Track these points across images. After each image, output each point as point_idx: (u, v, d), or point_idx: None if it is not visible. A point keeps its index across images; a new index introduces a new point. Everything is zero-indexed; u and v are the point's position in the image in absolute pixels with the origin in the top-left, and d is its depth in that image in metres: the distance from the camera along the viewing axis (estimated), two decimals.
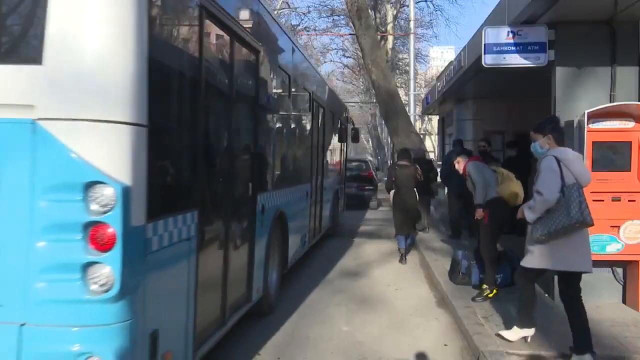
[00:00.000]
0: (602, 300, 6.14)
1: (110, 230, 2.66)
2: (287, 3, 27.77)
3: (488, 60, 6.64)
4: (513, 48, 6.53)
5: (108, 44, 2.71)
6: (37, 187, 2.68)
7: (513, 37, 6.52)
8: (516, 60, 6.53)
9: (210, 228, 4.04)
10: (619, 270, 6.14)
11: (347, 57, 35.95)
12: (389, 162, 28.62)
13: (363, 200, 17.86)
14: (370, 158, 32.48)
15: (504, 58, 6.59)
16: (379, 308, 6.49)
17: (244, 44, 4.69)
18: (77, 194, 2.65)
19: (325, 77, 12.26)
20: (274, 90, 5.94)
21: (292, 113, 7.22)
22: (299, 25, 29.45)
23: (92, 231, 2.67)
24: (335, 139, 11.81)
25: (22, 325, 2.69)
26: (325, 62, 36.99)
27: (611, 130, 5.86)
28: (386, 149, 35.36)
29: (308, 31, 28.46)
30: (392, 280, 7.93)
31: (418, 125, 31.15)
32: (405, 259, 9.28)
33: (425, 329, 5.74)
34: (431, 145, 35.51)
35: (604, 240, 5.87)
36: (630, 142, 5.85)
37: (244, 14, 4.83)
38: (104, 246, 2.67)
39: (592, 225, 4.39)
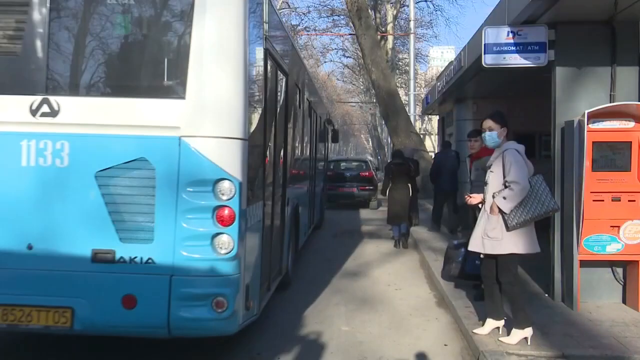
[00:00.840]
0: (602, 301, 6.15)
1: (230, 211, 3.95)
2: (287, 3, 27.77)
3: (488, 60, 6.64)
4: (513, 48, 6.53)
5: (228, 89, 4.07)
6: (181, 182, 3.93)
7: (513, 37, 6.51)
8: (516, 60, 6.52)
9: (268, 214, 5.31)
10: (619, 270, 6.14)
11: (347, 57, 36.01)
12: (388, 161, 28.63)
13: (363, 200, 17.87)
14: (370, 158, 32.48)
15: (504, 58, 6.59)
16: (378, 308, 6.49)
17: (282, 72, 5.96)
18: (209, 187, 3.93)
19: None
20: (295, 105, 7.21)
21: (301, 121, 8.37)
22: (299, 25, 29.47)
23: (219, 212, 3.94)
24: (322, 140, 13.06)
25: (172, 276, 3.93)
26: (325, 62, 37.16)
27: (611, 130, 5.86)
28: (386, 149, 35.38)
29: (308, 31, 28.50)
30: (392, 280, 7.93)
31: (418, 125, 31.15)
32: (399, 244, 10.51)
33: (425, 329, 5.74)
34: (431, 145, 35.50)
35: (604, 240, 5.87)
36: (630, 142, 5.84)
37: (282, 50, 6.04)
38: (226, 222, 3.94)
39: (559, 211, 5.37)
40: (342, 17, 28.69)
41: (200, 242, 3.93)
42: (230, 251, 3.97)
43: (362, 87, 40.72)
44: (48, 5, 4.10)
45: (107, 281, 3.95)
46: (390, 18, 28.31)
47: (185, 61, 4.00)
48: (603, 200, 5.84)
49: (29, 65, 4.09)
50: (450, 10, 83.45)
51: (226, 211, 3.94)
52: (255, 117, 4.62)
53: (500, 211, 4.74)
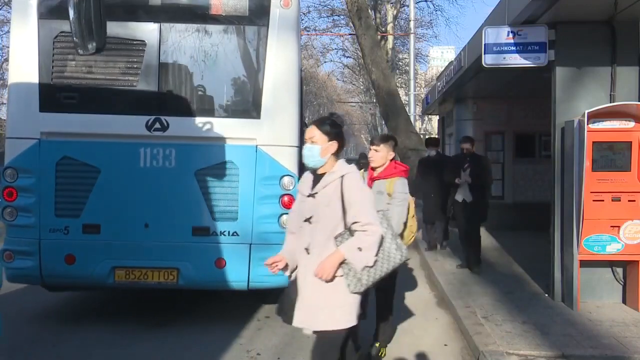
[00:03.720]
0: (602, 301, 6.15)
1: (290, 198, 5.28)
2: None
3: (488, 60, 6.64)
4: (513, 48, 6.52)
5: (288, 111, 5.50)
6: (257, 177, 5.34)
7: (513, 37, 6.51)
8: (516, 60, 6.52)
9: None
10: (619, 270, 6.14)
11: (347, 57, 35.99)
12: None
13: None
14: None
15: (504, 58, 6.58)
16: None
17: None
18: (276, 181, 5.35)
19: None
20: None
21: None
22: None
23: (283, 198, 5.34)
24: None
25: (250, 244, 5.34)
26: (325, 61, 37.07)
27: (611, 130, 5.86)
28: None
29: (308, 31, 28.47)
30: None
31: (418, 125, 31.15)
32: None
33: (425, 329, 5.74)
34: None
35: (604, 240, 5.87)
36: (631, 142, 5.85)
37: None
38: (288, 206, 5.23)
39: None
40: (342, 17, 28.70)
41: (271, 220, 5.32)
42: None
43: (362, 87, 40.69)
44: (159, 46, 5.41)
45: (203, 249, 5.31)
46: (390, 18, 28.29)
47: (260, 91, 5.44)
48: (603, 200, 5.84)
49: (145, 93, 5.39)
50: (450, 10, 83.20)
51: (288, 198, 5.32)
52: (298, 129, 5.87)
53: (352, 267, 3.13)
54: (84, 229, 5.26)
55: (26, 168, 5.22)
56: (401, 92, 24.91)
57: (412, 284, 7.78)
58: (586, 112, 5.71)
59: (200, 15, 5.48)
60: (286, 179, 5.39)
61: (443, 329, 5.78)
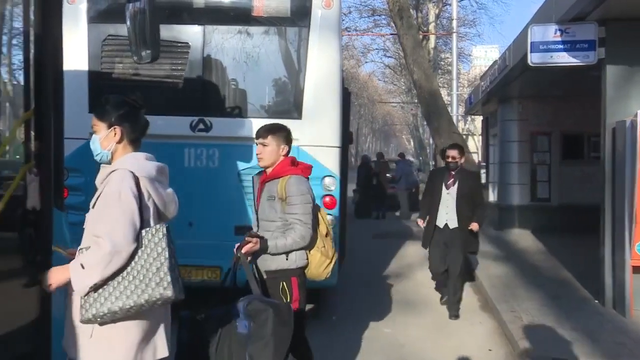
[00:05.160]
0: None
1: (332, 198, 5.39)
2: None
3: (534, 59, 6.49)
4: (561, 46, 6.36)
5: (330, 111, 5.47)
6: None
7: (561, 35, 6.34)
8: (564, 59, 6.35)
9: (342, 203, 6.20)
10: None
11: (388, 57, 35.77)
12: (430, 163, 28.32)
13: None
14: (411, 159, 32.20)
15: (551, 57, 6.42)
16: (421, 310, 6.42)
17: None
18: (318, 181, 5.19)
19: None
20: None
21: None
22: None
23: (325, 199, 5.35)
24: None
25: None
26: (366, 62, 36.94)
27: None
28: (428, 150, 35.01)
29: (349, 31, 28.43)
30: (434, 283, 7.83)
31: (461, 125, 30.70)
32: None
33: (469, 333, 5.65)
34: (474, 146, 34.96)
35: None
36: None
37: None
38: (329, 206, 5.32)
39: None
40: (383, 16, 28.53)
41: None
42: (333, 227, 4.97)
43: (403, 87, 40.36)
44: (202, 48, 5.47)
45: None
46: (432, 17, 27.97)
47: (301, 92, 5.44)
48: None
49: (189, 94, 5.48)
50: (494, 9, 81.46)
51: (329, 198, 5.39)
52: (344, 129, 5.90)
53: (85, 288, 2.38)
54: None
55: (76, 167, 5.37)
56: (443, 92, 24.60)
57: None
58: (639, 112, 5.51)
59: (243, 17, 5.53)
60: (327, 180, 5.40)
61: (487, 333, 5.67)
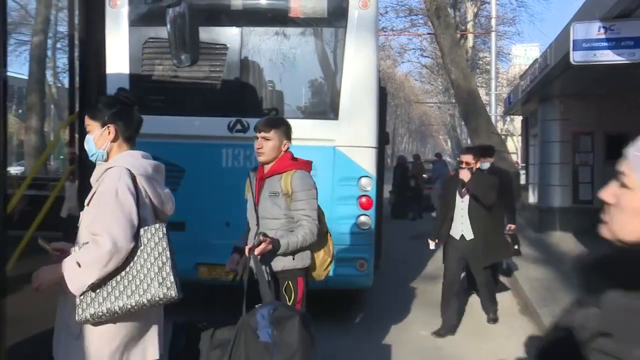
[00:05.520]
0: None
1: (368, 199, 5.37)
2: None
3: (577, 57, 6.35)
4: (605, 44, 6.20)
5: (367, 112, 5.45)
6: (335, 178, 5.33)
7: (604, 33, 6.19)
8: (608, 56, 6.19)
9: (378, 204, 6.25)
10: None
11: (425, 56, 35.41)
12: None
13: None
14: (449, 159, 31.89)
15: (595, 55, 6.27)
16: (459, 313, 6.33)
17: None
18: (355, 182, 5.34)
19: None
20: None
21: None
22: None
23: (361, 199, 5.35)
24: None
25: None
26: (402, 62, 36.65)
27: None
28: None
29: (385, 31, 28.28)
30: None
31: (499, 125, 30.20)
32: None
33: (508, 337, 5.55)
34: (514, 146, 34.34)
35: None
36: None
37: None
38: (365, 207, 5.34)
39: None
40: (420, 16, 28.30)
41: (348, 220, 5.34)
42: (368, 227, 5.38)
43: (440, 87, 39.95)
44: (240, 49, 5.54)
45: None
46: (470, 16, 27.59)
47: (338, 93, 5.46)
48: None
49: (227, 95, 5.58)
50: (534, 6, 79.76)
51: (365, 199, 5.36)
52: (380, 129, 5.90)
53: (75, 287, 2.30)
54: (170, 226, 5.46)
55: None
56: (482, 91, 24.23)
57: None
58: None
59: (280, 19, 5.58)
60: (364, 180, 5.39)
61: (527, 337, 5.56)
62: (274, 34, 5.61)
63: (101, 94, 3.36)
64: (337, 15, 5.50)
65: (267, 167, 3.45)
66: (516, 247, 6.90)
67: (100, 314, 2.26)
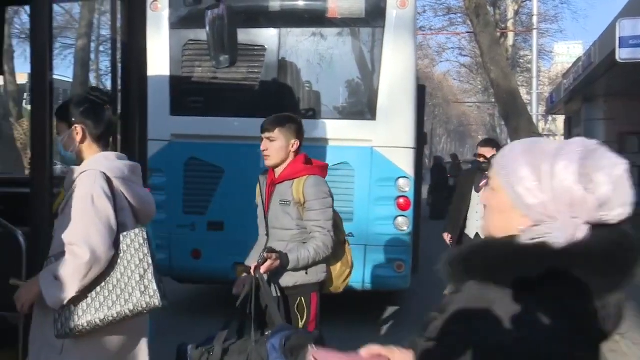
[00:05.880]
0: None
1: (406, 200, 5.35)
2: None
3: (623, 54, 6.19)
4: None
5: (404, 113, 5.42)
6: (372, 179, 5.34)
7: None
8: None
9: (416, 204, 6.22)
10: None
11: (464, 56, 34.92)
12: None
13: None
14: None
15: None
16: None
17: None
18: (392, 182, 5.33)
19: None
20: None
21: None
22: None
23: (399, 200, 5.34)
24: None
25: (366, 245, 5.26)
26: (440, 61, 36.27)
27: None
28: None
29: (423, 31, 28.03)
30: None
31: (541, 125, 29.58)
32: None
33: None
34: None
35: None
36: None
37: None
38: (403, 208, 5.34)
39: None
40: (458, 15, 27.93)
41: (386, 221, 5.33)
42: (406, 228, 5.38)
43: (479, 86, 39.34)
44: (278, 50, 5.60)
45: None
46: (510, 14, 27.11)
47: (376, 93, 5.45)
48: None
49: (265, 96, 5.64)
50: (578, 3, 77.36)
51: (403, 200, 5.35)
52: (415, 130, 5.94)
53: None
54: (209, 226, 5.53)
55: (158, 168, 5.60)
56: (522, 91, 23.76)
57: None
58: None
59: (318, 19, 5.61)
60: (402, 181, 5.37)
61: None
62: (312, 35, 5.64)
63: (142, 95, 3.43)
64: (375, 15, 5.49)
65: (277, 172, 3.12)
66: None
67: (80, 327, 2.12)
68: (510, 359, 1.12)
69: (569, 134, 16.64)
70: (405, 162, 5.41)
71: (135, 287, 2.14)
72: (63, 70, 34.70)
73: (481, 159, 5.16)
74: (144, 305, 2.14)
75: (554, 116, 27.15)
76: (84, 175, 2.22)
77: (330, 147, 5.48)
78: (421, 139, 6.89)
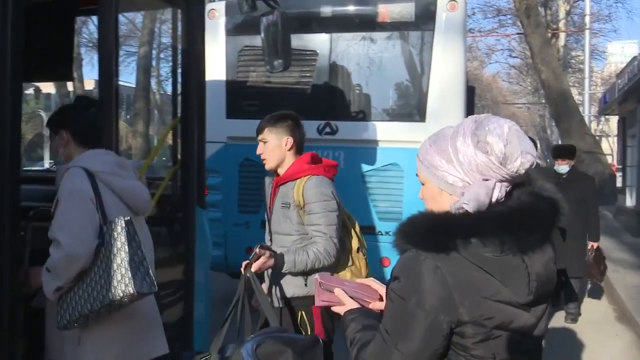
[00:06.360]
0: None
1: None
2: None
3: None
4: None
5: (454, 115, 5.17)
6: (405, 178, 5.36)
7: None
8: None
9: None
10: None
11: (514, 57, 34.29)
12: None
13: None
14: (539, 161, 30.69)
15: None
16: (552, 320, 6.15)
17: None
18: None
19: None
20: None
21: None
22: None
23: None
24: None
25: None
26: (490, 63, 35.72)
27: None
28: None
29: (472, 33, 27.70)
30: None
31: (593, 126, 28.74)
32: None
33: (604, 345, 5.34)
34: (609, 147, 32.53)
35: None
36: None
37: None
38: None
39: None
40: (508, 16, 27.46)
41: None
42: None
43: (529, 87, 38.52)
44: (329, 55, 5.73)
45: (369, 247, 5.20)
46: (562, 14, 26.47)
47: (425, 95, 5.47)
48: None
49: (316, 99, 5.77)
50: (633, 1, 74.46)
51: None
52: None
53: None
54: (262, 225, 5.71)
55: (215, 168, 5.81)
56: (574, 91, 23.20)
57: (588, 296, 7.23)
58: None
59: (368, 24, 5.72)
60: None
61: (624, 346, 5.34)
62: (362, 39, 5.75)
63: (201, 100, 3.61)
64: (424, 19, 5.55)
65: (281, 172, 2.93)
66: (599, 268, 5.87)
67: (74, 319, 2.20)
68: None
69: (623, 134, 16.13)
70: None
71: (112, 277, 2.16)
72: (127, 77, 35.83)
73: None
74: (121, 294, 2.14)
75: (607, 117, 26.31)
76: (66, 173, 2.33)
77: (380, 149, 5.59)
78: None
